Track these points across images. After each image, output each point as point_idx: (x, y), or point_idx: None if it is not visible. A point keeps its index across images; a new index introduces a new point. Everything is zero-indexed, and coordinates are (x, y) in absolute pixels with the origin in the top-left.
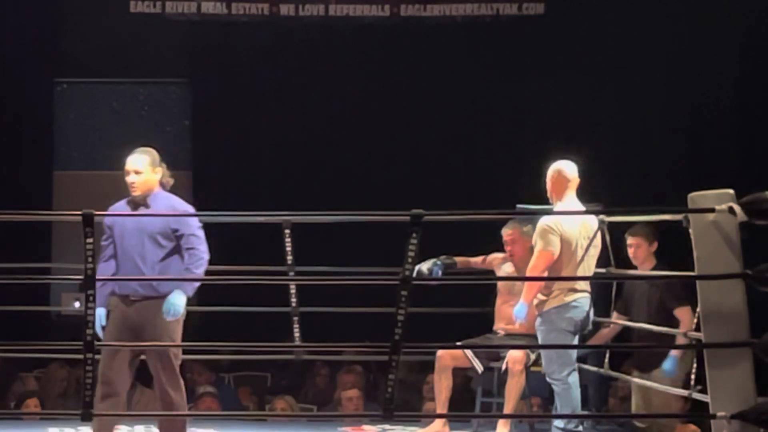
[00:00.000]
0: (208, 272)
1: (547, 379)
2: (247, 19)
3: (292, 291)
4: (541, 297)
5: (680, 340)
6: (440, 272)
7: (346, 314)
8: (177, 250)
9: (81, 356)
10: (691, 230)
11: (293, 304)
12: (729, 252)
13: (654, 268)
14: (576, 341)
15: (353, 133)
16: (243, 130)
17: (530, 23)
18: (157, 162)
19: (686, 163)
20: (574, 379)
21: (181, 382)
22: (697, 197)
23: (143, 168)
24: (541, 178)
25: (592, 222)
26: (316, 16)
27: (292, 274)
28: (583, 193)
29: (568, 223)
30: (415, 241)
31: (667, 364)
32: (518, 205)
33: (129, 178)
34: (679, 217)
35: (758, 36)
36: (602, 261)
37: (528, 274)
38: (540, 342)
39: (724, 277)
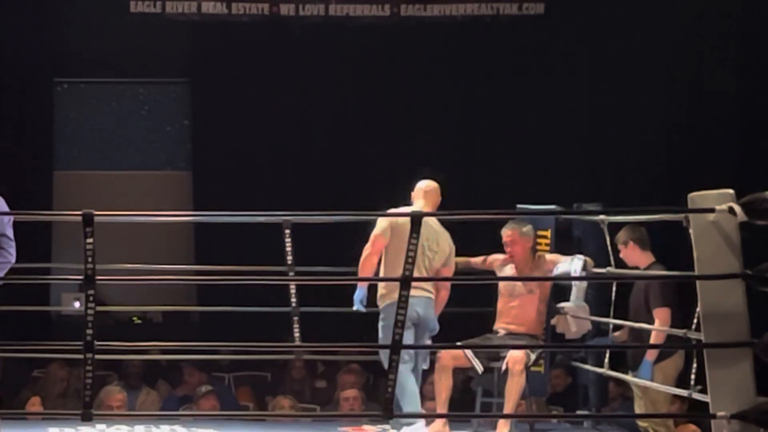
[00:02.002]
0: (208, 272)
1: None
2: (247, 19)
3: (292, 291)
4: (381, 291)
5: (655, 339)
6: None
7: (346, 314)
8: None
9: (81, 356)
10: (691, 230)
11: (293, 304)
12: (729, 252)
13: (648, 268)
14: (409, 336)
15: (353, 133)
16: (243, 130)
17: (530, 23)
18: None
19: (686, 163)
20: (405, 371)
21: None
22: (697, 197)
23: None
24: (543, 176)
25: (436, 225)
26: (316, 16)
27: (292, 274)
28: (583, 193)
29: (404, 221)
30: (415, 241)
31: (643, 371)
32: (518, 205)
33: None
34: (679, 217)
35: (758, 36)
36: (602, 261)
37: (362, 258)
38: (380, 334)
39: (724, 277)
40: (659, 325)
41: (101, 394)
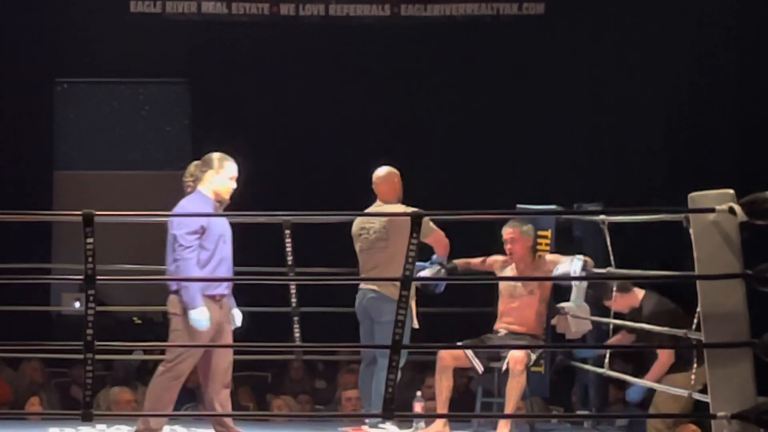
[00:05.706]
0: None
1: None
2: (247, 19)
3: (292, 291)
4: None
5: (654, 374)
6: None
7: (346, 314)
8: None
9: (81, 356)
10: (691, 230)
11: (293, 304)
12: (729, 252)
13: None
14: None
15: (353, 133)
16: (243, 131)
17: (530, 23)
18: None
19: (686, 163)
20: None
21: None
22: (697, 197)
23: None
24: (543, 175)
25: (374, 221)
26: (316, 16)
27: (292, 274)
28: (583, 193)
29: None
30: (415, 241)
31: (632, 393)
32: (518, 205)
33: (233, 185)
34: (679, 217)
35: (758, 36)
36: (602, 261)
37: None
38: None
39: (724, 277)
40: (660, 365)
41: (110, 394)
